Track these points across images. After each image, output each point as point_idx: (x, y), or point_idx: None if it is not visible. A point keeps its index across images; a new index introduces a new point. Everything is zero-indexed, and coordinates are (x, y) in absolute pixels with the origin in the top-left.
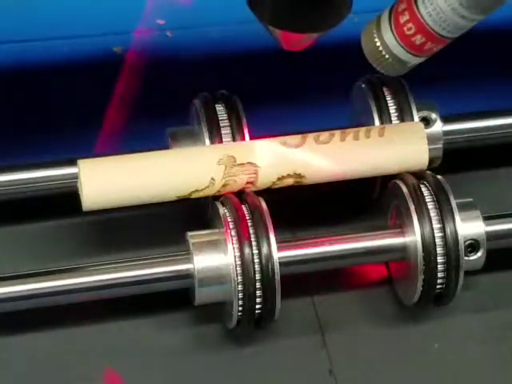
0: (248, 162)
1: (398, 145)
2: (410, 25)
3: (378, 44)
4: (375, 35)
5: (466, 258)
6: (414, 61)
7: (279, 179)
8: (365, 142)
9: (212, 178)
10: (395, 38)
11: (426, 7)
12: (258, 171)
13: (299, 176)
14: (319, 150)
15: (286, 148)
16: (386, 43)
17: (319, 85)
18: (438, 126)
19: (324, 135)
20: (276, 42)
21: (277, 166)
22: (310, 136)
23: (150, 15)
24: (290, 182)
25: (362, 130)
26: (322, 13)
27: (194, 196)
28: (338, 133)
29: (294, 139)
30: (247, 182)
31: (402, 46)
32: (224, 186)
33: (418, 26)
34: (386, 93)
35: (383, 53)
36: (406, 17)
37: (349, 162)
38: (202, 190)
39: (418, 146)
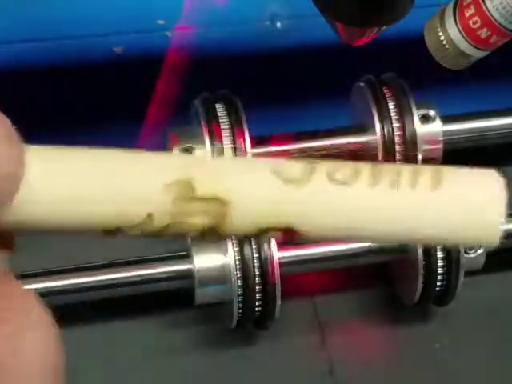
0: (213, 197)
1: (456, 207)
2: (475, 18)
3: (442, 38)
4: (439, 29)
5: (465, 255)
6: (478, 54)
7: (260, 232)
8: (407, 194)
9: (149, 214)
10: (460, 32)
11: (492, 1)
12: (226, 215)
13: (291, 231)
14: (333, 195)
15: (280, 183)
16: (451, 37)
17: (319, 85)
18: (438, 126)
19: (344, 170)
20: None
21: (260, 212)
22: (321, 168)
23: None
24: (274, 236)
25: (405, 171)
26: (383, 8)
27: (118, 233)
28: (366, 170)
29: (295, 168)
30: (205, 228)
31: (467, 40)
32: (165, 228)
33: (484, 19)
34: (386, 93)
35: (447, 46)
36: (472, 10)
37: (375, 222)
38: (130, 227)
39: (489, 212)
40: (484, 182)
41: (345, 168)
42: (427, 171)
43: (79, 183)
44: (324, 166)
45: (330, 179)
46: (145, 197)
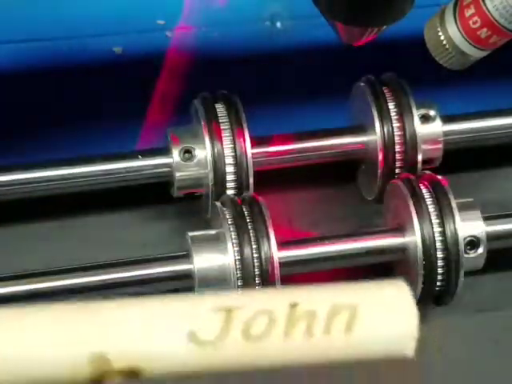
0: (128, 369)
1: (370, 349)
2: (475, 18)
3: (442, 38)
4: (439, 29)
5: (465, 255)
6: (478, 54)
7: None
8: (322, 342)
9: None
10: (460, 32)
11: (492, 1)
12: (141, 374)
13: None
14: (247, 354)
15: (194, 349)
16: (450, 37)
17: (319, 85)
18: (438, 126)
19: (260, 321)
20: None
21: (173, 374)
22: (238, 322)
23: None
24: None
25: (321, 315)
26: (383, 8)
27: None
28: (282, 318)
29: (211, 329)
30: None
31: (467, 40)
32: None
33: (484, 19)
34: (386, 93)
35: (447, 46)
36: (472, 10)
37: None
38: None
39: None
40: (396, 309)
41: (261, 318)
42: (343, 312)
43: None
44: (240, 319)
45: (245, 336)
46: (61, 371)
